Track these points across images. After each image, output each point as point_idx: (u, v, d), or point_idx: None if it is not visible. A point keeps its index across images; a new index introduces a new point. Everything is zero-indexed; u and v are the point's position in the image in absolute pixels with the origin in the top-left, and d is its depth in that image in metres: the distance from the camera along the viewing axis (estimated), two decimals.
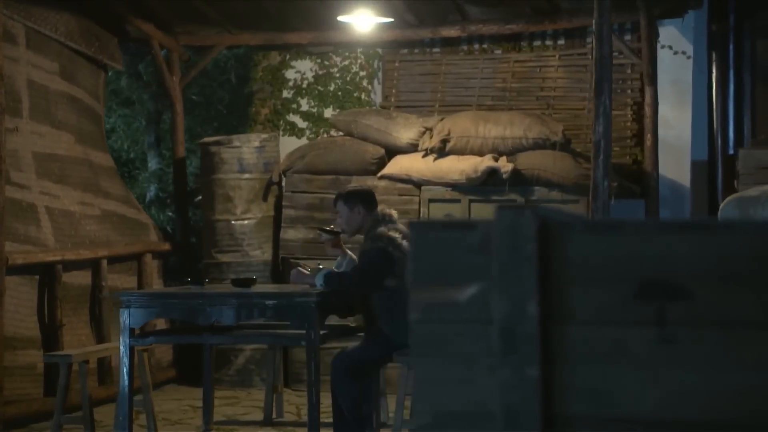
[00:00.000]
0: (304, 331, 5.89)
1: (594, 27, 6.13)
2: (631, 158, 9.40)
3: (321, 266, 6.64)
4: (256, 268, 9.11)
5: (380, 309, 6.15)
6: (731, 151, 9.18)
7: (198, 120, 16.31)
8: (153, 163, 15.30)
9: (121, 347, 6.10)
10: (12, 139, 7.78)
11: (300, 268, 6.45)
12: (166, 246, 9.48)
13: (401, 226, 6.40)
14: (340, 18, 8.44)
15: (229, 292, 6.10)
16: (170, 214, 14.97)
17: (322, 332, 6.00)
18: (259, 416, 7.82)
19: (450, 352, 1.52)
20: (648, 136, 8.55)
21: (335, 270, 6.37)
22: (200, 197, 9.80)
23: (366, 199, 6.31)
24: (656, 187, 8.56)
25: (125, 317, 6.06)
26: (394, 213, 6.34)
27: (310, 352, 5.87)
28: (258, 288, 6.42)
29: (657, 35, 8.76)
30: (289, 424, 7.49)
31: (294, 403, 8.20)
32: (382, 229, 6.10)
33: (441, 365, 1.53)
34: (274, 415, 7.52)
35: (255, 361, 9.10)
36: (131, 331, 6.08)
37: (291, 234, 9.05)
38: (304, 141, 10.14)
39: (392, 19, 8.48)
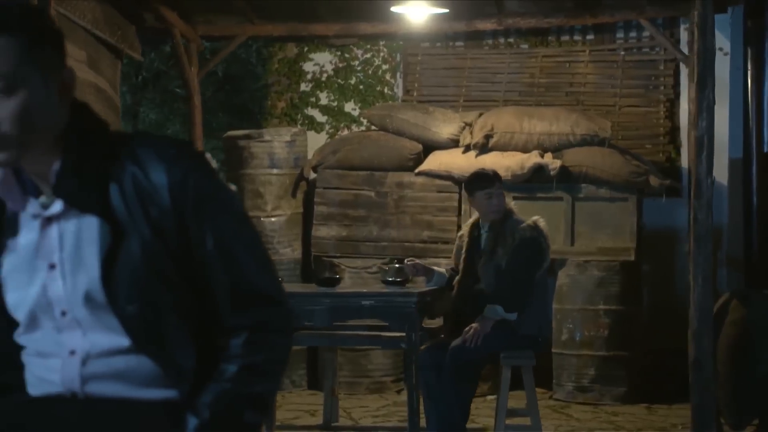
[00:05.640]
0: (404, 333, 5.62)
1: (696, 19, 5.95)
2: (664, 156, 9.30)
3: (397, 264, 6.37)
4: (287, 267, 8.77)
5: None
6: (766, 149, 9.11)
7: (167, 113, 15.88)
8: None
9: None
10: None
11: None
12: None
13: None
14: (393, 9, 8.14)
15: (320, 292, 5.79)
16: None
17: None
18: (308, 420, 7.53)
19: None
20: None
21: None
22: None
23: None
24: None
25: None
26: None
27: (409, 355, 5.60)
28: (346, 287, 6.12)
29: None
30: (347, 428, 7.21)
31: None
32: (535, 217, 5.96)
33: None
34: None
35: None
36: None
37: (323, 231, 8.73)
38: (323, 135, 9.84)
39: (447, 11, 8.20)
